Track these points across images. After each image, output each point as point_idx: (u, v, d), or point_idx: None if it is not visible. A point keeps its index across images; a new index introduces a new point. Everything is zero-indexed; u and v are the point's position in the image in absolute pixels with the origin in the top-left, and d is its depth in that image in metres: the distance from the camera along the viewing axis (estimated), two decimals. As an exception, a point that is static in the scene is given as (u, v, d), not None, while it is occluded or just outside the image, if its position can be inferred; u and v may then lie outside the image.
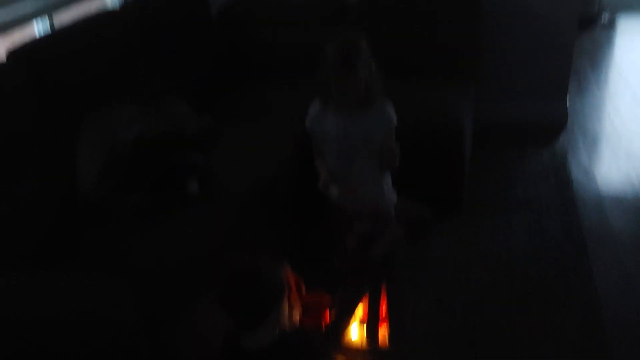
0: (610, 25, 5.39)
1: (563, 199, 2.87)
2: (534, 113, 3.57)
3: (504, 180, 3.08)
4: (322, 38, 1.99)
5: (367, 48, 2.00)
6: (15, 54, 2.10)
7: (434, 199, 2.75)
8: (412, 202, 2.54)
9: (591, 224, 2.74)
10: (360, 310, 2.22)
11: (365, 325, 2.18)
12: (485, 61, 3.28)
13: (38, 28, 2.65)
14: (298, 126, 2.44)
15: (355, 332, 2.21)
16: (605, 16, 5.44)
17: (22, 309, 1.52)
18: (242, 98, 2.92)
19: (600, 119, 3.76)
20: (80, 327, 1.49)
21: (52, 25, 2.67)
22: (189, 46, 2.93)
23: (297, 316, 2.11)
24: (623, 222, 2.74)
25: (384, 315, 2.18)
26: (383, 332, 2.18)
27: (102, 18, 2.55)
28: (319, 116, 2.08)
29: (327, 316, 2.20)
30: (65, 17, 2.73)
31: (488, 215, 2.81)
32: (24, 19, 2.54)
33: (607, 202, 2.88)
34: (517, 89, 3.53)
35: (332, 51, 1.95)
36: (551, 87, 3.52)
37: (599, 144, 3.48)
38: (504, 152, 3.33)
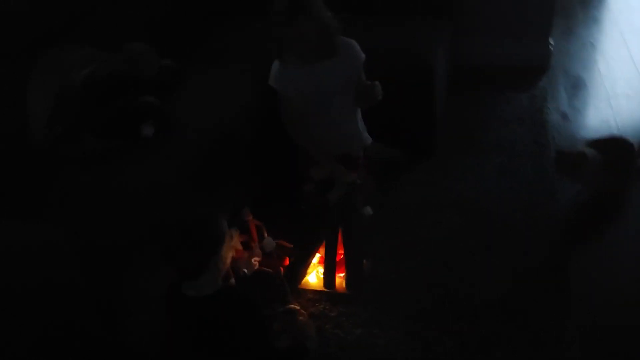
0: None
1: (536, 143, 2.82)
2: (515, 54, 3.45)
3: (479, 123, 3.01)
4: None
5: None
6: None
7: (405, 142, 2.71)
8: (384, 144, 2.50)
9: (563, 168, 2.70)
10: (318, 255, 2.21)
11: (322, 269, 2.18)
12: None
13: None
14: (260, 69, 2.37)
15: (314, 277, 2.21)
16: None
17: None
18: (203, 41, 2.83)
19: (584, 61, 3.65)
20: (20, 277, 1.47)
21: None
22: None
23: (255, 261, 2.10)
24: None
25: (340, 259, 2.17)
26: (340, 277, 2.18)
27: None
28: (285, 75, 2.02)
29: (287, 261, 2.19)
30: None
31: (460, 157, 2.77)
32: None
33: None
34: (497, 28, 3.38)
35: (276, 6, 1.88)
36: (533, 26, 3.39)
37: (581, 87, 3.37)
38: (481, 95, 3.23)
